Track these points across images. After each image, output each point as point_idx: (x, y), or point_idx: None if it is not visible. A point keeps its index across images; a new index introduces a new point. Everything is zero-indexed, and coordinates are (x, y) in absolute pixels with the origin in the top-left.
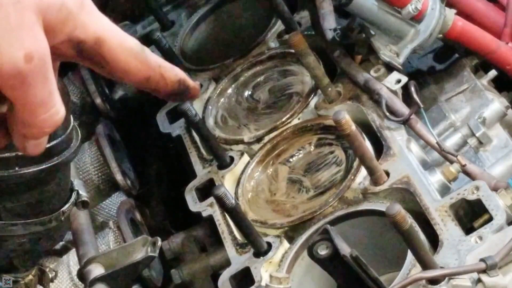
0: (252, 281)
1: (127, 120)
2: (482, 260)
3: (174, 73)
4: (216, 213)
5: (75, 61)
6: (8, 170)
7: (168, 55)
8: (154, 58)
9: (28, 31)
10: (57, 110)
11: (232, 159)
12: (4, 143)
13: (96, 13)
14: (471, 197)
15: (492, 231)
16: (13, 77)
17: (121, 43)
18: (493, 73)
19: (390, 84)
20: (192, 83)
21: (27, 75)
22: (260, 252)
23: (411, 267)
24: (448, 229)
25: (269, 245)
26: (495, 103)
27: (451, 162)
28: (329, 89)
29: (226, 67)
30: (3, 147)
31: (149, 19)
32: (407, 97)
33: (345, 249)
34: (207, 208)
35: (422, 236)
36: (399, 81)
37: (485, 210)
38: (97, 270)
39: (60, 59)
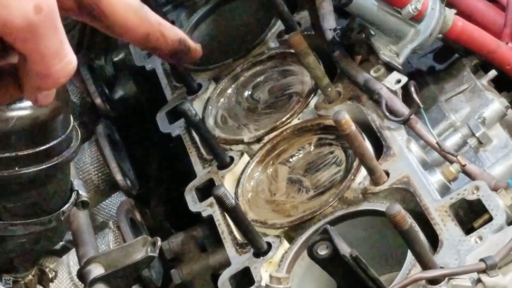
0: (252, 281)
1: (127, 120)
2: (482, 260)
3: (174, 31)
4: (216, 213)
5: (75, 17)
6: (8, 170)
7: None
8: (153, 16)
9: None
10: (69, 59)
11: (232, 159)
12: (17, 95)
13: None
14: (471, 197)
15: (492, 231)
16: (25, 29)
17: None
18: (493, 73)
19: (390, 84)
20: (193, 44)
21: (39, 26)
22: (260, 252)
23: (411, 267)
24: (448, 229)
25: (269, 245)
26: (495, 103)
27: (451, 162)
28: (329, 89)
29: (226, 67)
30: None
31: None
32: (407, 97)
33: (345, 249)
34: (207, 208)
35: (422, 236)
36: (399, 81)
37: (485, 210)
38: (97, 270)
39: (61, 13)
